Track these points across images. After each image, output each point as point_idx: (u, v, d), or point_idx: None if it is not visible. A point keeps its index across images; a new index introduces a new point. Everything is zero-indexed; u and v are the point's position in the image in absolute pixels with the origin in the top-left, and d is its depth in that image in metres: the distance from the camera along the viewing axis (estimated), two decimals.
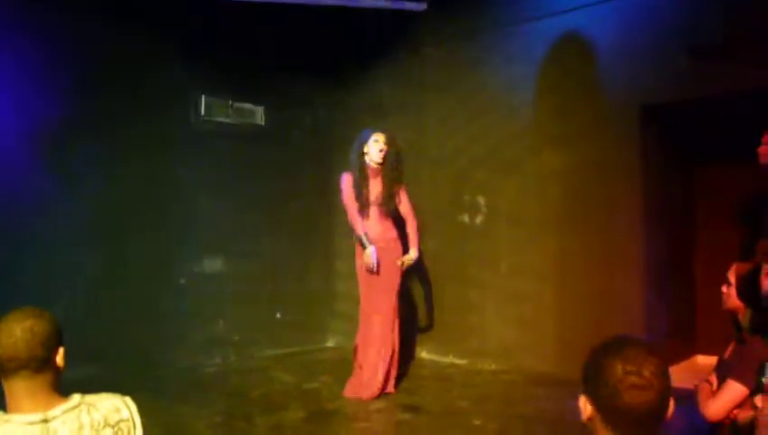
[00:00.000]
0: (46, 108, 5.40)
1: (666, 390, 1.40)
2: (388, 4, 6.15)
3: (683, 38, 5.00)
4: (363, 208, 5.15)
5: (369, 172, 5.18)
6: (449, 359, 6.37)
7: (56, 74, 5.46)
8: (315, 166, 7.23)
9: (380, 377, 5.10)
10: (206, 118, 6.46)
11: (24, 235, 5.21)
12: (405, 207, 5.30)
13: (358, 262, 5.22)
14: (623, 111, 5.36)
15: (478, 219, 6.28)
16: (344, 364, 5.71)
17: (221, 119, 6.57)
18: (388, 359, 5.15)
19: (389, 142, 5.22)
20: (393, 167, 5.21)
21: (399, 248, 5.25)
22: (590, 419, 1.47)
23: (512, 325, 5.97)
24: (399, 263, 5.17)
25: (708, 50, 4.84)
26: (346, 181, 5.19)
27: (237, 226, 6.63)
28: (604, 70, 5.46)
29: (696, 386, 3.20)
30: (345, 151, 5.55)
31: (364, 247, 5.10)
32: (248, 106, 6.79)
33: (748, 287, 2.97)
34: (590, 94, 5.55)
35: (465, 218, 6.36)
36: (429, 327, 6.58)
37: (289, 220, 7.07)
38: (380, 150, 5.15)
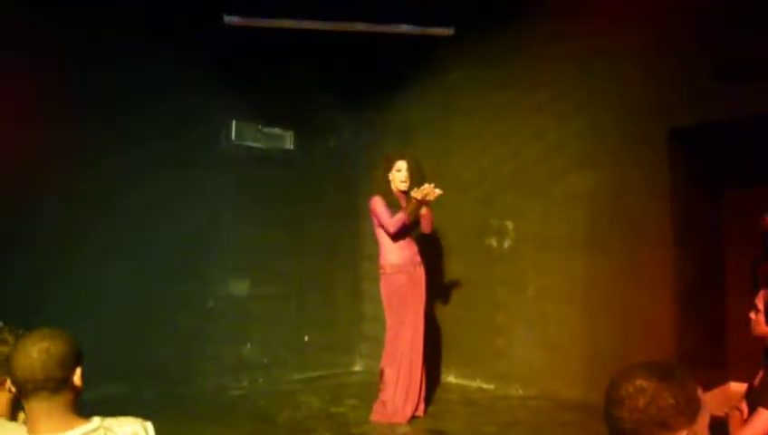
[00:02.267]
0: (77, 128, 5.49)
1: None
2: (416, 30, 6.20)
3: (711, 59, 4.97)
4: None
5: (398, 196, 5.20)
6: (476, 383, 6.33)
7: (89, 95, 5.55)
8: (342, 189, 7.29)
9: (413, 400, 5.12)
10: (236, 142, 6.55)
11: (51, 256, 5.27)
12: None
13: (384, 290, 5.19)
14: (650, 132, 5.33)
15: (506, 244, 6.26)
16: (372, 388, 5.69)
17: (251, 143, 6.67)
18: (418, 382, 5.15)
19: (412, 167, 5.22)
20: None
21: (423, 273, 5.26)
22: None
23: (540, 349, 5.92)
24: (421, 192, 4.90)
25: (736, 71, 4.81)
26: (378, 202, 5.14)
27: (265, 248, 6.69)
28: (631, 91, 5.44)
29: (726, 414, 3.15)
30: (372, 175, 5.58)
31: (412, 211, 4.98)
32: (277, 130, 6.88)
33: None
34: (616, 116, 5.53)
35: (493, 242, 6.34)
36: (456, 352, 6.54)
37: (316, 243, 7.11)
38: (402, 181, 5.17)
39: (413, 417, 5.11)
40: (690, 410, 1.46)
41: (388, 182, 5.22)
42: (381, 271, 5.20)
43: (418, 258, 5.26)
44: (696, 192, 5.70)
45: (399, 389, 5.09)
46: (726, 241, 6.08)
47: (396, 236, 5.12)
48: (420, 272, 5.25)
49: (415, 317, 5.17)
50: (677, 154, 5.35)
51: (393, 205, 5.13)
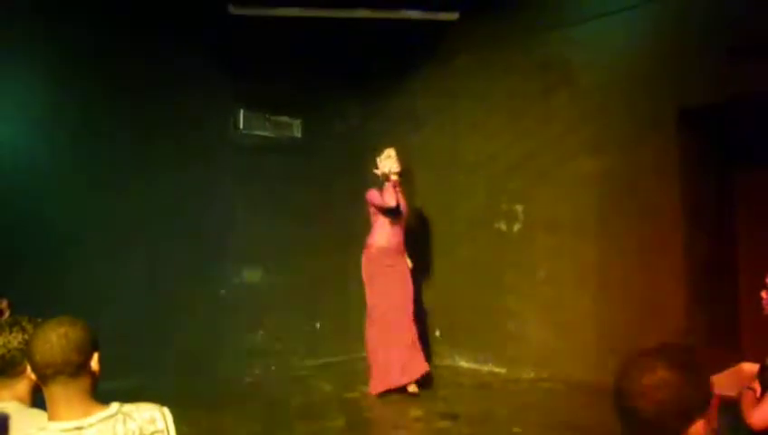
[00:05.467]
0: (86, 120, 5.56)
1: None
2: (421, 15, 6.19)
3: (721, 39, 4.93)
4: (391, 217, 5.61)
5: (388, 185, 5.58)
6: (488, 367, 6.35)
7: (98, 86, 5.60)
8: (350, 176, 7.27)
9: (422, 355, 5.55)
10: (244, 131, 6.57)
11: (65, 248, 5.34)
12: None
13: (366, 267, 5.64)
14: (661, 114, 5.29)
15: (516, 227, 6.26)
16: None
17: (259, 132, 6.69)
18: (410, 346, 5.51)
19: (399, 157, 5.65)
20: (404, 179, 5.69)
21: (407, 262, 5.74)
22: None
23: (551, 333, 5.93)
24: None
25: (747, 50, 4.77)
26: (373, 193, 5.63)
27: (275, 237, 6.71)
28: (640, 73, 5.41)
29: (739, 394, 3.15)
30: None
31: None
32: (285, 119, 6.88)
33: None
34: (626, 98, 5.50)
35: (503, 226, 6.34)
36: (468, 336, 6.56)
37: (326, 231, 7.12)
38: (395, 163, 5.59)
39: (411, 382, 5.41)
40: (707, 397, 1.44)
41: (378, 174, 5.65)
42: (366, 249, 5.67)
43: (403, 248, 5.72)
44: (708, 173, 5.66)
45: (413, 349, 5.48)
46: (738, 222, 6.05)
47: (387, 220, 5.58)
48: (403, 260, 5.71)
49: (401, 289, 5.56)
50: (688, 135, 5.32)
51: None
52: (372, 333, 5.58)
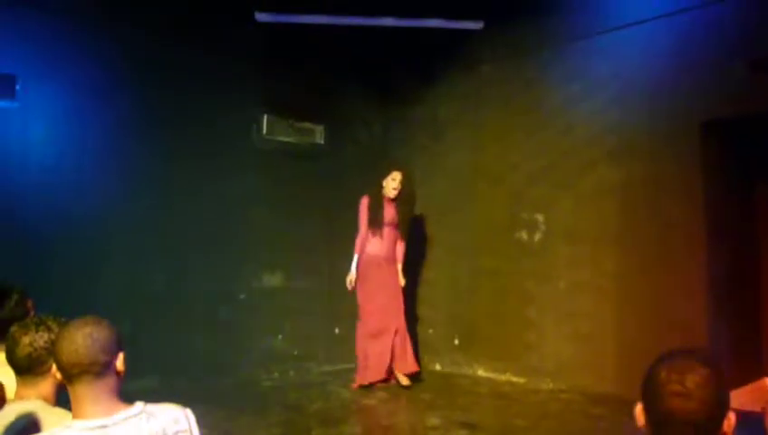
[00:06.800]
0: (110, 126, 5.63)
1: (712, 402, 1.41)
2: (446, 24, 6.20)
3: (745, 52, 4.90)
4: (378, 228, 5.97)
5: (384, 200, 6.00)
6: (506, 377, 6.33)
7: (122, 94, 5.68)
8: (372, 183, 7.29)
9: (412, 356, 6.00)
10: (267, 136, 6.62)
11: (88, 251, 5.40)
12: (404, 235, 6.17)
13: (359, 272, 5.99)
14: (683, 126, 5.26)
15: (537, 237, 6.24)
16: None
17: (282, 137, 6.74)
18: (400, 345, 5.91)
19: (404, 181, 6.00)
20: (406, 199, 6.04)
21: (396, 269, 6.10)
22: (644, 426, 1.50)
23: (570, 343, 5.89)
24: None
25: None
26: (363, 204, 6.04)
27: (296, 242, 6.75)
28: (664, 85, 5.38)
29: (763, 409, 3.13)
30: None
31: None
32: (308, 125, 6.93)
33: None
34: (649, 109, 5.47)
35: (524, 236, 6.32)
36: (486, 345, 6.55)
37: (346, 237, 7.11)
38: (394, 188, 5.97)
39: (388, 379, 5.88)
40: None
41: (381, 187, 5.94)
42: (359, 256, 6.03)
43: (393, 256, 6.09)
44: (730, 185, 5.61)
45: (404, 348, 5.88)
46: (761, 235, 5.99)
47: (375, 230, 5.99)
48: (393, 268, 6.07)
49: (397, 297, 5.99)
50: (711, 147, 5.28)
51: (377, 209, 5.98)
52: (360, 332, 5.99)
